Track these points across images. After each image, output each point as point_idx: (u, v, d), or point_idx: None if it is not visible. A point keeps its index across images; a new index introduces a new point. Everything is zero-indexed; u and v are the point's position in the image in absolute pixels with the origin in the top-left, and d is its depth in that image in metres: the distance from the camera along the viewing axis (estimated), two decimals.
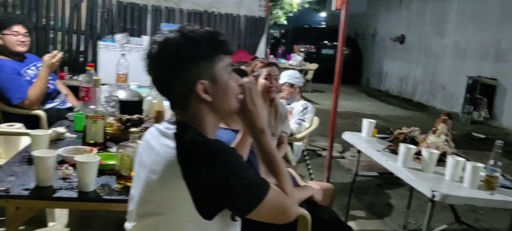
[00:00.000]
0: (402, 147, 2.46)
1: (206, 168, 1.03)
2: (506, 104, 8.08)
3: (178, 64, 1.09)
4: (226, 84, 1.14)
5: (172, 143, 1.08)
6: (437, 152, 2.41)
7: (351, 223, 3.45)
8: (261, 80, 2.66)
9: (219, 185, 1.03)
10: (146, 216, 1.11)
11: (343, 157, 5.38)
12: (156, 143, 1.13)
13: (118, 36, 4.60)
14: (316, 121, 3.73)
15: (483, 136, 7.21)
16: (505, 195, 2.11)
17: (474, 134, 7.32)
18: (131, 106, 2.67)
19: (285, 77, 3.80)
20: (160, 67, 1.12)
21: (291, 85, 3.79)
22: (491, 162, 2.19)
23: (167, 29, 1.12)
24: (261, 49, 6.31)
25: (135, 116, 2.20)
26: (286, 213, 1.15)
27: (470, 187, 2.16)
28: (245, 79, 1.20)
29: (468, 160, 2.34)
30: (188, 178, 1.03)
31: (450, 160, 2.28)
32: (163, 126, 1.17)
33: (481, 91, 8.34)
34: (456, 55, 9.65)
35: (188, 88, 1.10)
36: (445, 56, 10.03)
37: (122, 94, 2.81)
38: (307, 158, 4.06)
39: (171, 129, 1.13)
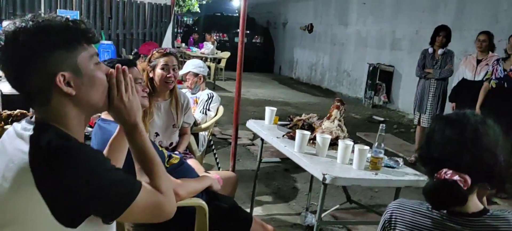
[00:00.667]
0: (298, 133, 2.56)
1: (61, 174, 0.96)
2: (401, 89, 8.80)
3: (31, 54, 1.00)
4: (91, 76, 1.07)
5: (26, 147, 1.00)
6: (329, 136, 2.55)
7: (257, 209, 3.54)
8: (158, 71, 2.60)
9: (77, 191, 0.97)
10: (3, 226, 1.02)
11: (253, 144, 5.48)
12: (10, 146, 1.04)
13: (5, 24, 4.19)
14: (221, 109, 3.75)
15: (382, 119, 7.79)
16: (388, 175, 2.29)
17: (375, 117, 7.88)
18: (16, 101, 2.46)
19: (189, 66, 3.76)
20: (11, 59, 1.02)
21: (195, 74, 3.76)
22: (376, 144, 2.36)
23: (21, 19, 1.03)
24: (168, 38, 6.17)
25: (17, 111, 2.03)
26: (162, 211, 1.11)
27: (357, 169, 2.32)
28: (112, 70, 1.11)
29: (366, 143, 2.50)
30: (42, 187, 0.96)
31: (340, 144, 2.42)
32: (21, 125, 1.08)
33: (380, 77, 8.99)
34: (358, 44, 10.27)
35: (47, 80, 1.02)
36: (349, 44, 10.64)
37: (6, 88, 2.58)
38: (213, 147, 4.07)
39: (28, 129, 1.04)
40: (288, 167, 4.62)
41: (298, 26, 13.06)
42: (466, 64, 4.93)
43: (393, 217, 1.32)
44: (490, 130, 1.22)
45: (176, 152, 2.71)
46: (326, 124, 2.78)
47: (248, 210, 3.22)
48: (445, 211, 1.25)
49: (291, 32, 13.67)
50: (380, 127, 2.39)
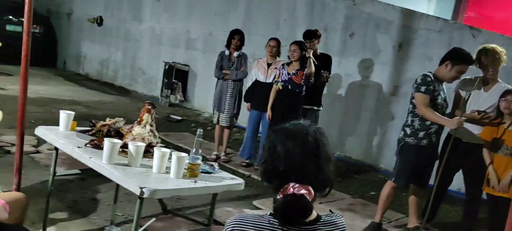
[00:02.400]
0: (107, 142, 2.28)
1: None
2: (196, 88, 9.05)
3: None
4: None
5: None
6: (143, 144, 2.35)
7: (51, 229, 3.04)
8: None
9: None
10: None
11: (38, 152, 4.72)
12: None
13: None
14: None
15: (179, 118, 7.84)
16: (207, 181, 2.24)
17: (172, 116, 7.87)
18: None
19: None
20: None
21: None
22: (193, 149, 2.28)
23: None
24: None
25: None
26: None
27: (175, 178, 2.20)
28: None
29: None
30: None
31: (156, 152, 2.25)
32: None
33: (176, 76, 9.05)
34: (153, 41, 10.10)
35: None
36: (144, 41, 10.36)
37: None
38: None
39: None
40: (84, 176, 4.14)
41: (85, 18, 12.02)
42: (258, 67, 5.35)
43: None
44: (326, 139, 1.27)
45: None
46: (137, 129, 2.55)
47: None
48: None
49: (77, 23, 12.49)
50: (197, 132, 2.31)
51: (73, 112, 2.80)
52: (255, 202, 4.22)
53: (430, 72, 3.64)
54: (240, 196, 4.24)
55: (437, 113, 3.52)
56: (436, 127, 3.58)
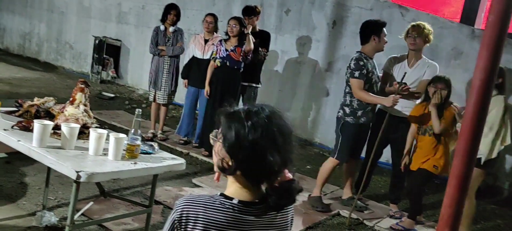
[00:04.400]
0: (37, 124, 2.14)
1: None
2: (129, 64, 8.71)
3: None
4: None
5: None
6: (78, 125, 2.24)
7: None
8: None
9: None
10: None
11: None
12: None
13: None
14: None
15: (112, 95, 7.53)
16: (147, 162, 2.19)
17: (104, 93, 7.54)
18: None
19: None
20: None
21: None
22: (132, 130, 2.21)
23: None
24: None
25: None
26: None
27: (114, 160, 2.12)
28: None
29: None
30: None
31: (92, 133, 2.15)
32: None
33: (108, 52, 8.63)
34: (81, 14, 9.52)
35: None
36: (70, 14, 9.73)
37: None
38: None
39: None
40: (10, 159, 3.87)
41: None
42: (195, 43, 5.25)
43: (184, 215, 1.23)
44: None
45: None
46: (70, 109, 2.42)
47: None
48: (236, 202, 1.25)
49: None
50: (136, 112, 2.25)
51: None
52: (194, 180, 4.21)
53: (359, 52, 3.80)
54: (179, 175, 4.20)
55: (371, 94, 3.73)
56: (372, 105, 3.79)
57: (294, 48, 6.48)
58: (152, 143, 2.44)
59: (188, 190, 3.99)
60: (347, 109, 3.82)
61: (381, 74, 4.10)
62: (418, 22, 3.93)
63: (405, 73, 3.72)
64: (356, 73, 3.70)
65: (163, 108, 5.38)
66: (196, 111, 5.41)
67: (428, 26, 3.87)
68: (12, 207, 3.12)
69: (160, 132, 5.38)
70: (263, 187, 1.31)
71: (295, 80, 6.50)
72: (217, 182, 1.36)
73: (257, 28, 5.24)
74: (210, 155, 4.79)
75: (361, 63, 3.71)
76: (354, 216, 3.82)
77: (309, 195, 3.97)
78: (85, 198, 3.20)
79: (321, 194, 3.98)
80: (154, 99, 5.33)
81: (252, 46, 4.78)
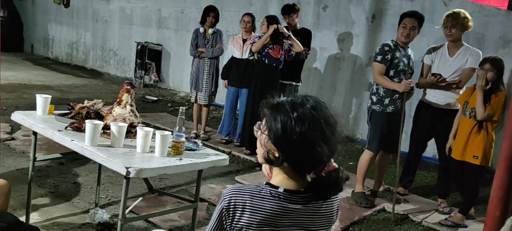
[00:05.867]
0: (88, 124, 2.25)
1: None
2: (170, 68, 8.94)
3: None
4: None
5: None
6: (125, 124, 2.33)
7: (34, 215, 3.01)
8: None
9: None
10: None
11: (13, 138, 4.61)
12: None
13: None
14: None
15: (155, 98, 7.75)
16: (192, 158, 2.25)
17: (148, 97, 7.77)
18: None
19: None
20: None
21: None
22: (177, 128, 2.28)
23: None
24: None
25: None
26: None
27: (160, 156, 2.20)
28: None
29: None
30: None
31: (139, 131, 2.24)
32: None
33: (150, 56, 8.90)
34: (123, 21, 9.86)
35: None
36: (113, 22, 10.11)
37: None
38: None
39: None
40: (63, 160, 4.08)
41: (51, 0, 11.61)
42: (234, 43, 5.32)
43: (232, 203, 1.26)
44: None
45: None
46: (117, 110, 2.53)
47: (23, 220, 2.69)
48: (282, 191, 1.27)
49: (42, 5, 12.05)
50: (180, 110, 2.31)
51: (49, 96, 2.74)
52: (237, 178, 4.26)
53: (392, 40, 3.75)
54: (222, 173, 4.28)
55: (387, 78, 3.67)
56: (400, 94, 3.67)
57: (333, 44, 6.43)
58: (196, 140, 2.51)
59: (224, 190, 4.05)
60: (374, 98, 3.77)
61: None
62: (453, 10, 3.79)
63: None
64: (378, 58, 3.69)
65: (204, 109, 5.48)
66: (237, 111, 5.48)
67: (464, 13, 3.73)
68: (67, 205, 3.29)
69: (202, 132, 5.49)
70: (309, 176, 1.32)
71: (335, 76, 6.44)
72: (269, 179, 1.38)
73: (298, 26, 5.24)
74: (251, 154, 4.85)
75: (387, 48, 3.67)
76: (400, 211, 3.75)
77: (353, 191, 3.93)
78: (133, 196, 3.32)
79: (364, 189, 3.93)
80: (196, 101, 5.44)
81: (300, 47, 4.81)
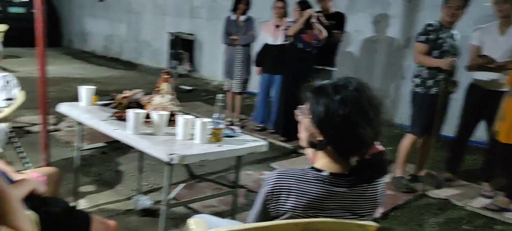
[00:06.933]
0: (131, 113, 2.30)
1: None
2: (203, 57, 9.02)
3: None
4: None
5: None
6: (167, 113, 2.37)
7: (81, 201, 3.13)
8: None
9: None
10: None
11: (58, 129, 4.79)
12: None
13: None
14: (22, 94, 3.14)
15: (189, 88, 7.85)
16: (231, 145, 2.27)
17: (182, 86, 7.88)
18: None
19: None
20: None
21: None
22: (215, 115, 2.30)
23: None
24: None
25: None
26: None
27: (201, 143, 2.23)
28: None
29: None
30: None
31: (180, 119, 2.28)
32: None
33: (183, 46, 9.01)
34: (156, 12, 10.01)
35: None
36: (146, 13, 10.27)
37: None
38: (15, 140, 3.39)
39: None
40: (105, 149, 4.22)
41: None
42: (266, 29, 5.30)
43: (277, 187, 1.27)
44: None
45: None
46: (157, 99, 2.58)
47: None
48: (327, 174, 1.27)
49: (78, 0, 12.39)
50: (219, 97, 2.33)
51: (94, 87, 2.83)
52: (273, 164, 4.27)
53: (437, 20, 3.61)
54: (258, 160, 4.30)
55: (429, 57, 3.54)
56: (444, 75, 3.54)
57: (368, 27, 6.29)
58: (234, 127, 2.53)
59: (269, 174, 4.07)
60: (417, 80, 3.66)
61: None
62: None
63: None
64: (421, 38, 3.57)
65: (238, 97, 5.51)
66: (270, 98, 5.47)
67: None
68: (111, 192, 3.40)
69: (237, 120, 5.53)
70: (353, 159, 1.31)
71: (371, 59, 6.32)
72: (312, 162, 1.37)
73: (331, 9, 5.15)
74: (287, 140, 4.84)
75: (430, 28, 3.54)
76: (442, 196, 3.66)
77: (393, 176, 3.87)
78: (174, 183, 3.39)
79: (405, 174, 3.86)
80: (229, 89, 5.47)
81: (325, 33, 4.70)
